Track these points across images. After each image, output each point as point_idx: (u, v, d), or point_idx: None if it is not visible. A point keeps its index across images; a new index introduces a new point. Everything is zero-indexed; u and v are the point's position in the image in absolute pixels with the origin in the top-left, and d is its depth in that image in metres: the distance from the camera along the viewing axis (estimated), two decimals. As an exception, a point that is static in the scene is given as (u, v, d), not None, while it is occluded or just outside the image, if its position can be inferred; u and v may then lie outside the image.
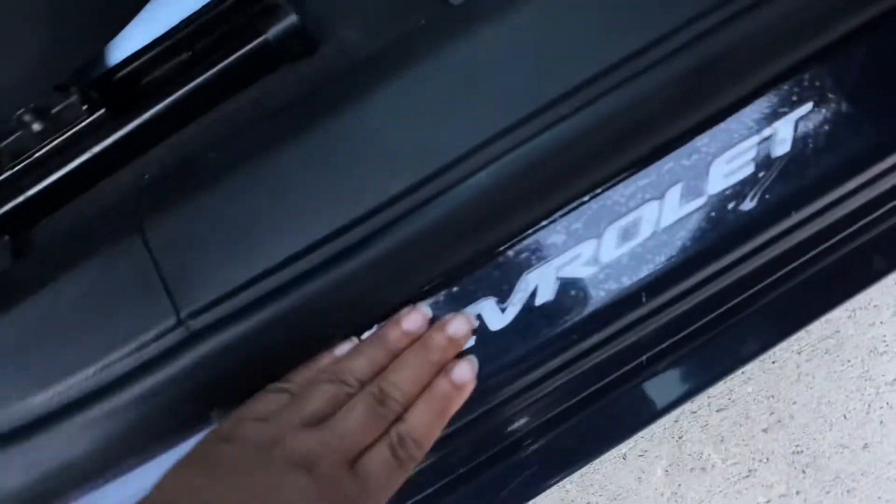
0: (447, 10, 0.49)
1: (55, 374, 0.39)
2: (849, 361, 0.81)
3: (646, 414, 0.63)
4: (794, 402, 0.79)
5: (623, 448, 0.84)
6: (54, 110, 0.49)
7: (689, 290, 0.46)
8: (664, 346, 0.54)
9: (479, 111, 0.40)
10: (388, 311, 0.41)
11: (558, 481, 0.58)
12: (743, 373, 0.75)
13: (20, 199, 0.49)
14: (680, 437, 0.77)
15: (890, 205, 0.49)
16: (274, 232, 0.40)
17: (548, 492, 0.57)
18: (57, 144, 0.49)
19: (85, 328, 0.39)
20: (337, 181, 0.40)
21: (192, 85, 0.49)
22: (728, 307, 0.52)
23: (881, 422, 0.79)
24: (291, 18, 0.48)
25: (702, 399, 0.75)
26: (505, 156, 0.40)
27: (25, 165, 0.49)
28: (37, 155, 0.49)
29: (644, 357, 0.55)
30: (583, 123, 0.40)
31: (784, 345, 0.68)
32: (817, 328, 0.76)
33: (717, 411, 0.81)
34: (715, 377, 0.72)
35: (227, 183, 0.41)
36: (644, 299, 0.42)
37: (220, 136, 0.49)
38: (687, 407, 0.70)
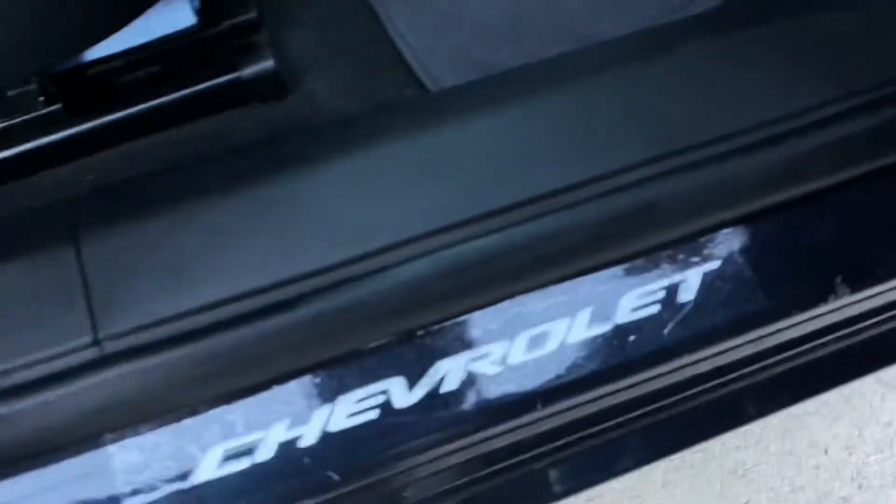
0: (420, 93, 0.52)
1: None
2: (710, 479, 0.87)
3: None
4: (656, 508, 0.84)
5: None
6: (10, 93, 0.48)
7: (582, 404, 0.49)
8: (547, 448, 0.57)
9: (426, 203, 0.43)
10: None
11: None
12: (614, 469, 0.79)
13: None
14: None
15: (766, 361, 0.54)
16: (207, 273, 0.40)
17: None
18: (5, 126, 0.48)
19: (-1, 327, 0.39)
20: (278, 237, 0.41)
21: (156, 100, 0.50)
22: (611, 424, 0.55)
23: (729, 542, 0.85)
24: (268, 62, 0.50)
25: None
26: (443, 250, 0.42)
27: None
28: (-16, 132, 0.48)
29: (527, 454, 0.57)
30: (517, 237, 0.43)
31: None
32: (689, 441, 0.81)
33: (587, 501, 0.85)
34: (589, 482, 0.75)
35: (172, 213, 0.42)
36: (539, 406, 0.45)
37: (172, 159, 0.50)
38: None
